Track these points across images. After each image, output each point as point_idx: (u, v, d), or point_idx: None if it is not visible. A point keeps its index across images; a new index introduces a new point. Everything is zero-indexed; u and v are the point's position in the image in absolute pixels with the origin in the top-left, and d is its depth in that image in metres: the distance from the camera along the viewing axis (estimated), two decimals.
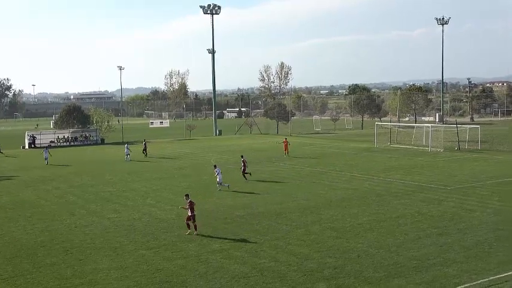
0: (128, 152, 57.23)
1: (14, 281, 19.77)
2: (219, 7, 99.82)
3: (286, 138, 60.54)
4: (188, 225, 25.59)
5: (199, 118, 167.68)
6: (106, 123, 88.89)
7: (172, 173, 46.28)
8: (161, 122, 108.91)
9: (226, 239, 24.59)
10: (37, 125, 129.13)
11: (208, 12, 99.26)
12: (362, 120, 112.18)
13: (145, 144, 61.24)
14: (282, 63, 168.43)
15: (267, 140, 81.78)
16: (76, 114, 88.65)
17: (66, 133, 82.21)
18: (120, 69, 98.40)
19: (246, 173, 41.26)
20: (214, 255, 22.16)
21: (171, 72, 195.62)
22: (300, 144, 71.34)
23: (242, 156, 42.93)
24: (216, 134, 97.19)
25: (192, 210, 25.52)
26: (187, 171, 47.41)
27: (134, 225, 27.70)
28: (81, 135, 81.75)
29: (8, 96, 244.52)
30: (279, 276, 19.43)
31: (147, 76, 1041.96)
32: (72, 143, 80.00)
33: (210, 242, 24.17)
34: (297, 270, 19.99)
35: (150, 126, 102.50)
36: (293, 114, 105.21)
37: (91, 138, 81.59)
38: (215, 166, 38.15)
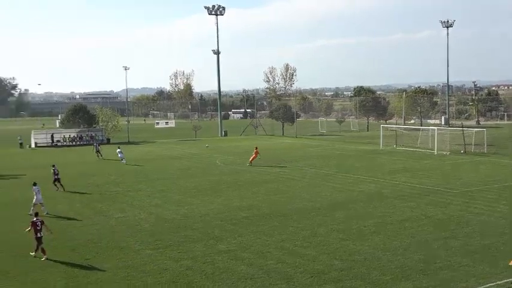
0: (122, 156, 54.28)
1: (20, 279, 19.88)
2: (224, 8, 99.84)
3: (257, 148, 53.24)
4: (42, 250, 22.24)
5: (204, 119, 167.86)
6: (112, 123, 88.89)
7: (178, 174, 46.31)
8: (167, 123, 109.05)
9: (232, 240, 24.60)
10: (43, 124, 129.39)
11: (213, 13, 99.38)
12: (367, 122, 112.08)
13: (97, 146, 61.07)
14: (286, 64, 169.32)
15: (272, 141, 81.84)
16: (82, 113, 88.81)
17: (72, 132, 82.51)
18: (126, 69, 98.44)
19: (59, 183, 38.40)
20: (220, 256, 22.16)
21: (176, 72, 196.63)
22: (305, 146, 71.39)
23: (54, 166, 39.74)
24: (221, 135, 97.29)
25: (37, 231, 22.27)
26: (193, 172, 47.45)
27: (140, 225, 27.73)
28: (87, 135, 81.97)
29: (13, 96, 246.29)
30: (285, 278, 19.42)
31: (152, 76, 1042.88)
32: (78, 143, 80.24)
33: (217, 243, 24.18)
34: (304, 272, 19.98)
35: (156, 126, 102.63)
36: (298, 116, 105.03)
37: (96, 137, 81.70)
38: (34, 184, 31.42)
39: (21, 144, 76.91)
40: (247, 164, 50.19)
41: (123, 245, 24.02)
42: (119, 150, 55.50)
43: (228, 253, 22.55)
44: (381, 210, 30.25)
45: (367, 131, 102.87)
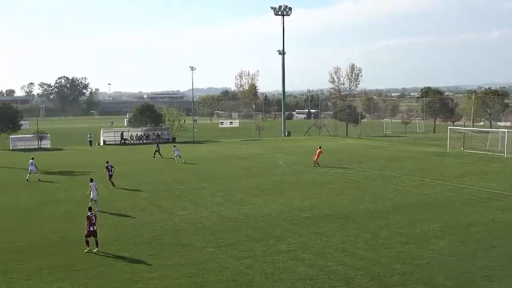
0: (178, 153, 55.29)
1: (87, 273, 20.51)
2: (290, 8, 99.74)
3: (320, 146, 53.02)
4: (87, 242, 23.47)
5: (268, 119, 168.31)
6: (178, 122, 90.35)
7: (241, 173, 46.66)
8: (231, 122, 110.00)
9: (293, 240, 24.61)
10: (111, 123, 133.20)
11: (279, 13, 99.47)
12: (434, 123, 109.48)
13: (157, 145, 61.76)
14: (352, 64, 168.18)
15: (335, 142, 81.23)
16: (149, 113, 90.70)
17: (139, 131, 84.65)
18: (192, 69, 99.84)
19: (110, 180, 39.68)
20: (281, 256, 22.22)
21: (241, 72, 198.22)
22: (370, 147, 70.48)
23: (107, 162, 40.81)
24: (284, 135, 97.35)
25: (91, 224, 23.52)
26: (256, 171, 47.69)
27: (203, 223, 28.14)
28: (153, 134, 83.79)
29: (85, 95, 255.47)
30: (345, 280, 19.28)
31: (217, 76, 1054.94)
32: (144, 141, 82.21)
33: (277, 242, 24.25)
34: (364, 275, 19.77)
35: (220, 126, 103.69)
36: (363, 117, 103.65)
37: (163, 136, 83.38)
38: (91, 180, 33.11)
39: (90, 142, 79.47)
40: (313, 165, 49.88)
41: (186, 243, 24.45)
42: (175, 148, 56.56)
43: (289, 253, 22.59)
44: (446, 214, 29.54)
45: (434, 132, 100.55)
